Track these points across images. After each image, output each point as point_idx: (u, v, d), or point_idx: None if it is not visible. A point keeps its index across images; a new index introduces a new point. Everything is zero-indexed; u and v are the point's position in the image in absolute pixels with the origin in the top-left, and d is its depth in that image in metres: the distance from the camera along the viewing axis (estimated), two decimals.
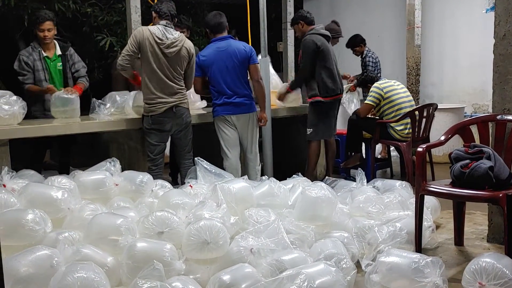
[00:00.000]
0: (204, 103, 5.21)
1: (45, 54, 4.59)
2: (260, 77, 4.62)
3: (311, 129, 5.09)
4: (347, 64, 7.31)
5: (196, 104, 5.11)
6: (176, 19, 4.33)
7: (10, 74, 4.69)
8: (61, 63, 4.69)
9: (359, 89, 6.59)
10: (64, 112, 4.40)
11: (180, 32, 4.41)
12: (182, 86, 4.29)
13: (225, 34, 4.55)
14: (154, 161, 4.29)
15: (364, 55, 6.73)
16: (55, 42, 4.68)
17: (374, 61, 6.68)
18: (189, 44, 4.30)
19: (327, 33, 5.13)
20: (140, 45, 4.10)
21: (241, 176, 4.25)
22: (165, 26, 4.16)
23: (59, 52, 4.68)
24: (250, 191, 3.45)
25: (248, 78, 4.62)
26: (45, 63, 4.59)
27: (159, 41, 4.09)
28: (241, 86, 4.53)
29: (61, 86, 4.64)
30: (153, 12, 4.28)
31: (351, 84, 6.57)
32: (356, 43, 6.73)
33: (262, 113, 4.67)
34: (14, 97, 4.05)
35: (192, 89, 4.66)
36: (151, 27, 4.17)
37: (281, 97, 5.39)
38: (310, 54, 4.97)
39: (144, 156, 4.43)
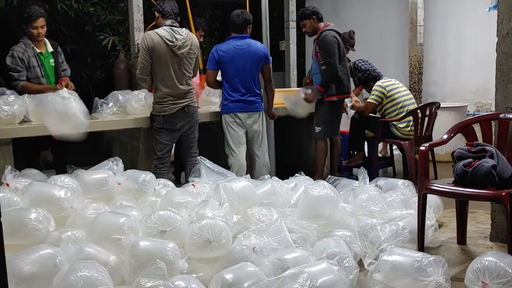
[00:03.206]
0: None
1: (38, 51, 4.49)
2: (272, 77, 4.78)
3: (320, 128, 5.06)
4: None
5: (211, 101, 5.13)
6: (179, 18, 4.32)
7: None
8: (53, 60, 4.61)
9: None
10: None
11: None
12: (192, 86, 4.32)
13: (244, 33, 4.61)
14: (161, 160, 4.29)
15: (353, 67, 6.71)
16: (45, 39, 4.57)
17: (363, 64, 6.65)
18: (195, 40, 4.31)
19: (340, 31, 5.11)
20: (153, 51, 4.06)
21: (246, 174, 4.28)
22: (171, 26, 4.13)
23: (50, 48, 4.59)
24: (252, 190, 3.45)
25: None
26: (40, 60, 4.50)
27: (170, 43, 4.06)
28: (254, 85, 4.64)
29: (53, 83, 4.56)
30: (155, 12, 4.25)
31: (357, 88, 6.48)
32: None
33: (271, 110, 4.85)
34: (13, 97, 4.02)
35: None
36: (159, 31, 4.11)
37: (311, 98, 5.02)
38: (335, 49, 4.90)
39: (146, 155, 4.44)
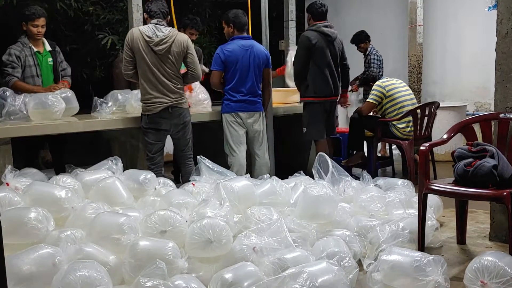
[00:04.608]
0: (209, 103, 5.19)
1: (36, 49, 4.51)
2: (271, 82, 4.82)
3: (305, 129, 5.08)
4: (349, 61, 7.27)
5: (204, 102, 5.10)
6: (169, 16, 4.32)
7: None
8: (51, 59, 4.64)
9: (360, 89, 6.60)
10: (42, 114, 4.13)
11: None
12: (179, 84, 4.26)
13: (246, 34, 4.65)
14: (152, 160, 4.29)
15: (367, 53, 6.72)
16: (43, 38, 4.60)
17: (378, 59, 6.67)
18: (181, 38, 4.22)
19: (330, 31, 4.95)
20: (132, 46, 4.10)
21: (246, 173, 4.28)
22: (156, 24, 4.14)
23: (48, 47, 4.62)
24: (252, 189, 3.45)
25: None
26: (37, 59, 4.51)
27: (148, 39, 4.08)
28: (256, 86, 4.65)
29: (51, 82, 4.59)
30: (144, 13, 4.29)
31: (354, 85, 6.57)
32: (361, 40, 6.72)
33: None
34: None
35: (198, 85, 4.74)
36: (141, 27, 4.18)
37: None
38: (302, 51, 4.93)
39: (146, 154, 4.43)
